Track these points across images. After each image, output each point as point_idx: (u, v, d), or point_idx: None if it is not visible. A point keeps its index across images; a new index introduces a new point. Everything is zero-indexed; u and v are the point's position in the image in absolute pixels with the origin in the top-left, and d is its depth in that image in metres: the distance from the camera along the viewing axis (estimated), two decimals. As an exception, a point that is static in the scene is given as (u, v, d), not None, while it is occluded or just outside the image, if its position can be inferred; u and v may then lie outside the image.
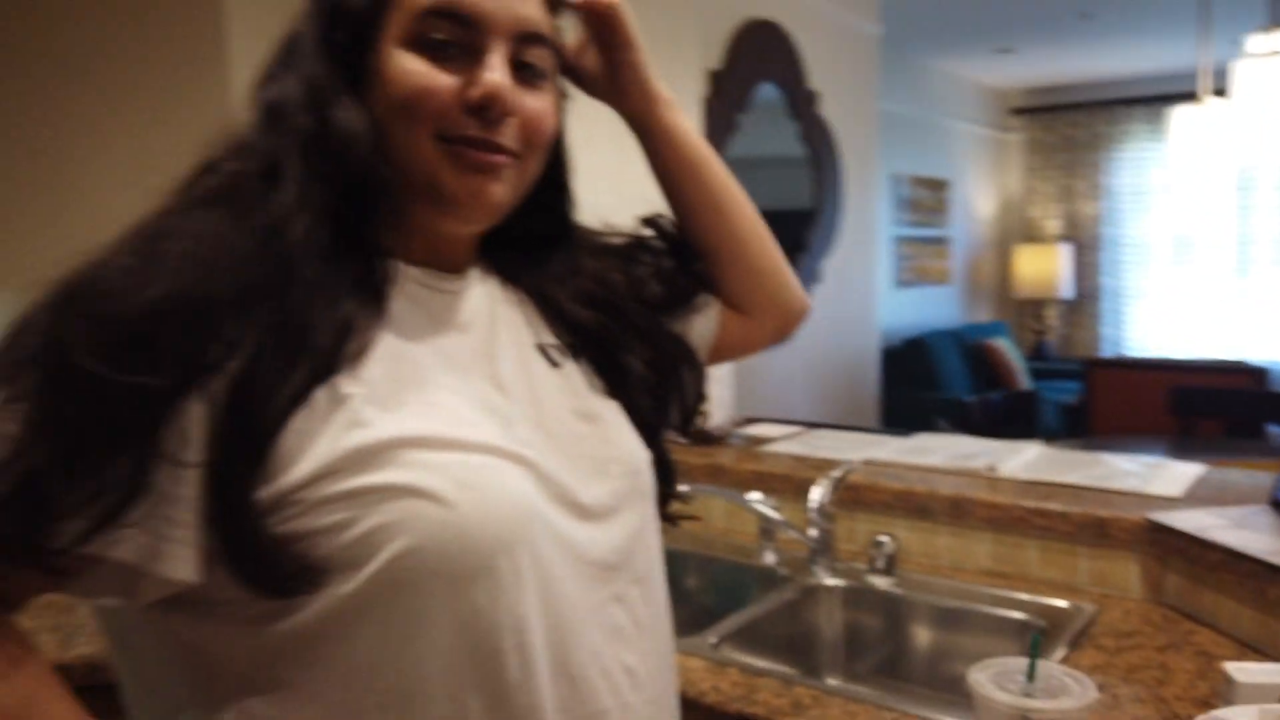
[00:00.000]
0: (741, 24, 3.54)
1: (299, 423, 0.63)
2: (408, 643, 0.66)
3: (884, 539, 1.62)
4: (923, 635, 1.59)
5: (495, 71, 0.71)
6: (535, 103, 0.74)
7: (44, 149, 1.70)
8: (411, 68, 0.70)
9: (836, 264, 4.17)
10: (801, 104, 3.91)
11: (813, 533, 1.64)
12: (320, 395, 0.65)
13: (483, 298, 0.80)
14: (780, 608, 1.58)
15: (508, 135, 0.73)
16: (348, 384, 0.66)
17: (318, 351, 0.65)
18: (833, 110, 4.08)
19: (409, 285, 0.75)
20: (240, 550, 0.62)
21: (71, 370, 0.59)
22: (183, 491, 0.61)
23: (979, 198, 7.15)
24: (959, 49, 6.05)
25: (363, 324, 0.69)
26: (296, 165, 0.68)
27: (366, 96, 0.71)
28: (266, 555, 0.62)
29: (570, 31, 0.83)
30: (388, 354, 0.70)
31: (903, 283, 6.13)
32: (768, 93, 3.72)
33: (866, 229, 4.49)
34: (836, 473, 1.66)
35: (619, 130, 0.93)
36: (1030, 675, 0.90)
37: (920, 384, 5.46)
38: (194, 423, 0.61)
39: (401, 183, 0.72)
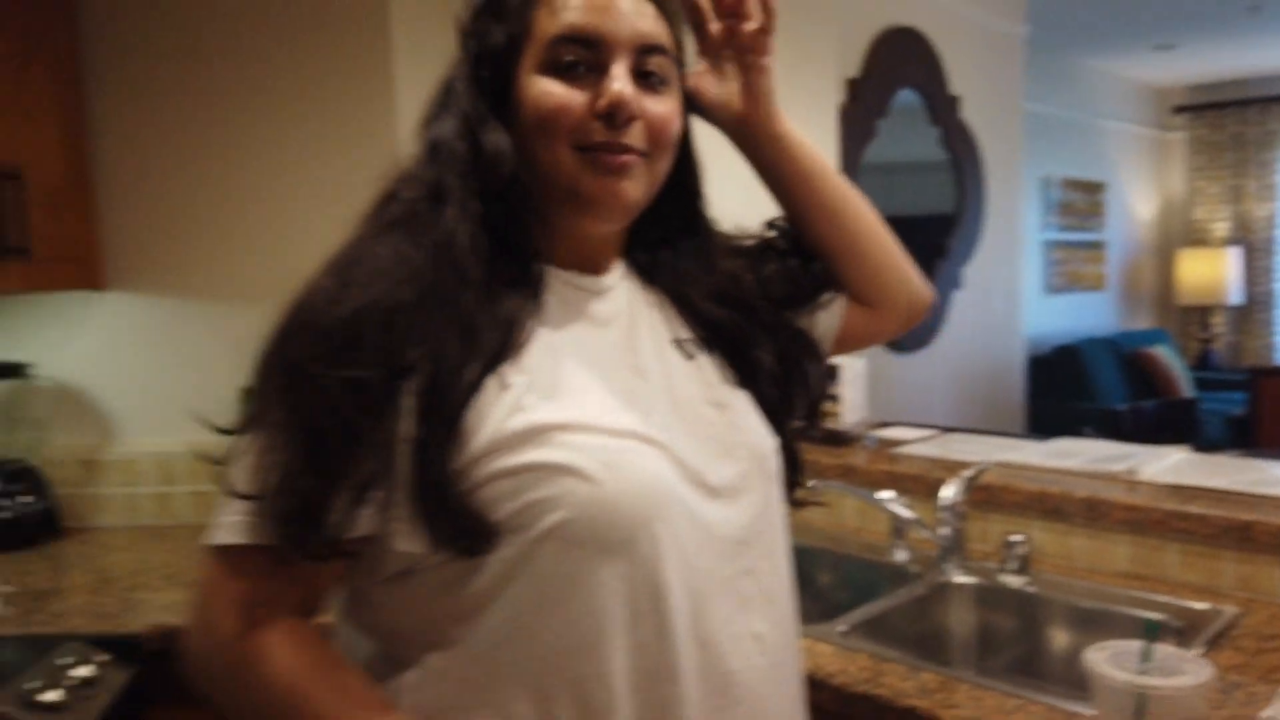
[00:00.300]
0: (881, 32, 3.56)
1: (475, 406, 0.75)
2: (560, 604, 0.76)
3: (1017, 539, 1.63)
4: (1056, 635, 1.59)
5: (618, 82, 0.80)
6: (658, 106, 0.83)
7: (256, 182, 2.09)
8: (547, 90, 0.80)
9: (979, 269, 4.10)
10: (942, 109, 3.88)
11: (943, 531, 1.67)
12: (491, 382, 0.76)
13: (624, 297, 0.89)
14: (910, 602, 1.61)
15: (634, 136, 0.81)
16: (512, 373, 0.77)
17: (487, 346, 0.77)
18: (975, 114, 4.03)
19: (560, 286, 0.85)
20: (441, 514, 0.73)
21: (303, 379, 0.73)
22: (400, 471, 0.73)
23: (1138, 200, 6.84)
24: (1114, 47, 5.82)
25: (522, 320, 0.80)
26: (456, 185, 0.80)
27: (512, 121, 0.82)
28: (459, 517, 0.73)
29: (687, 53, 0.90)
30: (543, 347, 0.81)
31: (1053, 288, 5.93)
32: (907, 98, 3.71)
33: (1011, 233, 4.39)
34: (969, 472, 1.68)
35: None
36: (1146, 657, 0.93)
37: (1071, 393, 5.26)
38: (405, 410, 0.73)
39: (545, 192, 0.82)
